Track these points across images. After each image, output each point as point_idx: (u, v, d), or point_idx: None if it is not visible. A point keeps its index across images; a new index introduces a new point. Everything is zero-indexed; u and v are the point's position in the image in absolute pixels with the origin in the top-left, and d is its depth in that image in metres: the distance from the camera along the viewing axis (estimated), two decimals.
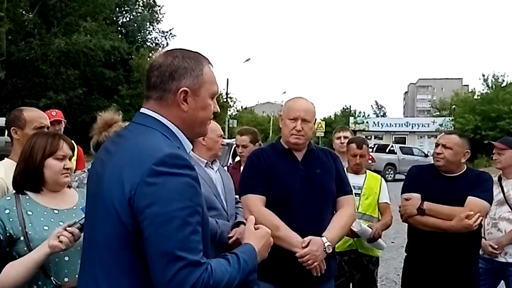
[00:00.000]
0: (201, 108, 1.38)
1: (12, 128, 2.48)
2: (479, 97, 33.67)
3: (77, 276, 1.44)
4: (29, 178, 1.91)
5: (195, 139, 1.46)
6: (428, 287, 2.86)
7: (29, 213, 1.84)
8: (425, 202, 2.79)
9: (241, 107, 56.94)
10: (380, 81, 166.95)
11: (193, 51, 1.41)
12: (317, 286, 2.41)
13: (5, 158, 2.43)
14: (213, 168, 2.85)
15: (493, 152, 3.36)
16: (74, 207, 1.96)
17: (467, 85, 64.10)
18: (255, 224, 1.48)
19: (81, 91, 24.30)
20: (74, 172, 2.50)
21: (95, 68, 25.82)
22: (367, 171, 3.60)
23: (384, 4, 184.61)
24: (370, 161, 4.72)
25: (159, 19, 32.20)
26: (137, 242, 1.21)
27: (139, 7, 31.76)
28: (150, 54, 28.59)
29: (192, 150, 1.76)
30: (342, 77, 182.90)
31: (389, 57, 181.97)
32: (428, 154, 23.49)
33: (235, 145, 4.68)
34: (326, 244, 2.31)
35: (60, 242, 1.71)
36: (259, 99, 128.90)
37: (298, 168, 2.48)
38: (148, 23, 31.68)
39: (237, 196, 2.85)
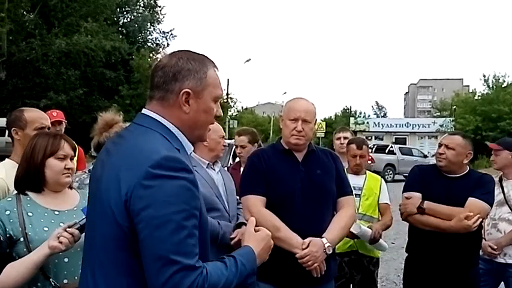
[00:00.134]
0: (203, 111, 1.37)
1: (13, 128, 2.48)
2: (479, 98, 33.65)
3: (76, 277, 1.45)
4: (30, 178, 1.91)
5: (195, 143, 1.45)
6: (429, 287, 2.86)
7: (30, 214, 1.84)
8: (425, 201, 2.80)
9: (242, 108, 57.10)
10: (380, 82, 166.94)
11: (199, 54, 1.41)
12: (317, 287, 2.40)
13: (6, 159, 2.44)
14: (214, 169, 2.84)
15: (491, 153, 3.37)
16: (75, 208, 1.96)
17: (468, 85, 64.08)
18: (255, 226, 1.47)
19: (82, 91, 24.22)
20: (75, 173, 2.50)
21: (95, 68, 25.74)
22: (367, 171, 3.61)
23: (384, 4, 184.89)
24: (369, 162, 4.72)
25: (160, 19, 32.10)
26: (134, 243, 1.20)
27: (140, 7, 31.66)
28: (151, 55, 28.62)
29: (194, 151, 1.75)
30: (342, 77, 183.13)
31: (390, 57, 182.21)
32: (428, 155, 23.52)
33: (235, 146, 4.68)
34: (326, 245, 2.31)
35: (60, 242, 1.71)
36: (259, 99, 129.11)
37: (299, 169, 2.48)
38: (149, 24, 31.58)
39: (238, 197, 2.85)
